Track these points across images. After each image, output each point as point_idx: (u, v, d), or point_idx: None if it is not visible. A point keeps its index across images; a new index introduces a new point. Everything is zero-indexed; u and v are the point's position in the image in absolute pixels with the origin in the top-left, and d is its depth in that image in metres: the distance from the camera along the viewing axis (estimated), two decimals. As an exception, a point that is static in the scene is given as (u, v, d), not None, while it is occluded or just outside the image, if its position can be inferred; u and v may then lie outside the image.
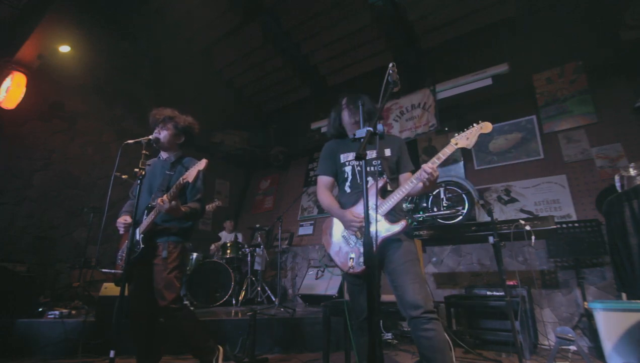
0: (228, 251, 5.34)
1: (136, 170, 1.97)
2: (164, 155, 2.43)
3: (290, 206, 5.91)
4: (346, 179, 1.89)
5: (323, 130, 6.69)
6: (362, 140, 1.36)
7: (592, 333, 3.15)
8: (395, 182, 1.89)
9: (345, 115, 1.97)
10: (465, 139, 1.72)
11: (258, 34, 5.96)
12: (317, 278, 4.97)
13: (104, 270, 4.07)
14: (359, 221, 1.69)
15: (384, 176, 1.80)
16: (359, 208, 1.76)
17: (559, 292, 3.72)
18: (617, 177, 2.46)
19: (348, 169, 1.89)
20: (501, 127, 4.84)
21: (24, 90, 4.46)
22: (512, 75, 4.73)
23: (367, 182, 1.77)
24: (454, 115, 5.12)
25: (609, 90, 4.23)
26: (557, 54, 4.62)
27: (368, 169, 1.81)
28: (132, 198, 2.43)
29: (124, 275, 1.85)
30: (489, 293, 3.31)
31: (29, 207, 4.62)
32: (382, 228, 1.69)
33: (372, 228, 1.66)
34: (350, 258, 1.72)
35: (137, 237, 2.10)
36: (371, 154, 1.83)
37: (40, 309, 3.41)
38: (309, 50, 6.28)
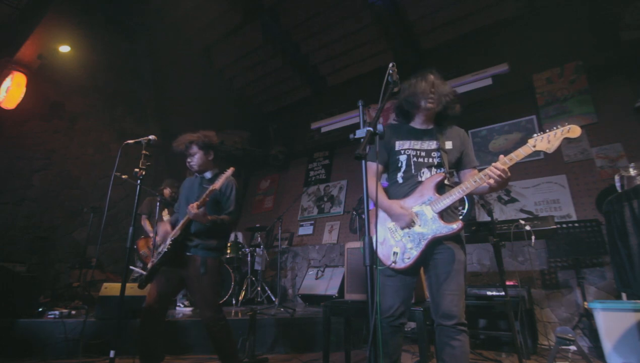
0: (228, 251, 5.34)
1: (136, 170, 1.98)
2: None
3: (290, 206, 5.92)
4: (399, 168, 1.73)
5: (323, 130, 6.71)
6: (362, 140, 1.35)
7: (592, 333, 3.14)
8: (452, 177, 1.77)
9: (423, 98, 1.73)
10: (545, 142, 1.52)
11: (258, 33, 5.96)
12: (317, 278, 4.96)
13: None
14: (409, 214, 1.60)
15: (442, 170, 1.68)
16: (409, 202, 1.65)
17: (559, 292, 3.72)
18: (617, 177, 2.46)
19: (403, 157, 1.72)
20: (501, 127, 4.84)
21: (24, 90, 4.46)
22: (512, 75, 4.74)
23: (422, 172, 1.65)
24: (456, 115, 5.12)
25: (608, 90, 4.22)
26: (557, 54, 4.62)
27: (426, 160, 1.70)
28: (175, 214, 2.54)
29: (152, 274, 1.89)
30: (489, 293, 3.31)
31: (29, 207, 4.62)
32: (435, 226, 1.57)
33: (422, 227, 1.59)
34: (394, 253, 1.63)
35: (168, 241, 2.21)
36: (430, 145, 1.72)
37: (40, 309, 3.41)
38: (309, 50, 6.28)
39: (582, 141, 4.22)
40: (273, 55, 6.39)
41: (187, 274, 2.20)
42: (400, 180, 1.73)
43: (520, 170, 4.51)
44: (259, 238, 5.82)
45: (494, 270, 4.08)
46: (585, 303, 3.26)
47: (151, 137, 2.22)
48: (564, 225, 3.55)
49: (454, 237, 1.61)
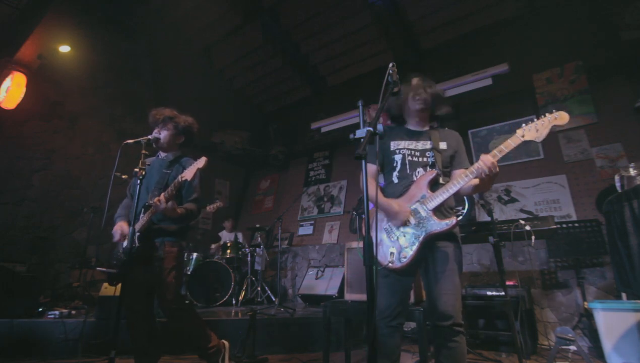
0: (228, 251, 5.34)
1: (136, 170, 1.97)
2: (162, 154, 2.43)
3: (290, 206, 5.91)
4: (394, 168, 1.75)
5: (323, 130, 6.71)
6: (362, 140, 1.35)
7: (592, 333, 3.14)
8: (447, 177, 1.76)
9: (411, 100, 1.76)
10: (534, 131, 1.52)
11: (258, 34, 5.97)
12: (317, 278, 4.97)
13: (99, 268, 4.08)
14: (405, 212, 1.59)
15: (436, 168, 1.67)
16: (404, 200, 1.65)
17: (559, 292, 3.72)
18: (617, 177, 2.45)
19: (398, 157, 1.74)
20: (501, 127, 4.83)
21: (24, 90, 4.46)
22: (512, 75, 4.74)
23: (417, 172, 1.66)
24: (454, 115, 5.12)
25: (608, 90, 4.22)
26: (557, 54, 4.62)
27: (421, 159, 1.71)
28: (129, 196, 2.43)
29: (121, 274, 1.84)
30: (489, 293, 3.31)
31: (29, 207, 4.62)
32: (428, 223, 1.57)
33: (417, 225, 1.58)
34: (391, 253, 1.62)
35: (136, 235, 2.10)
36: (425, 145, 1.73)
37: (40, 309, 3.41)
38: (309, 50, 6.29)
39: (582, 141, 4.22)
40: (273, 55, 6.39)
41: (149, 263, 2.12)
42: (395, 180, 1.74)
43: (521, 170, 4.51)
44: (259, 238, 5.82)
45: (494, 270, 4.08)
46: (585, 303, 3.26)
47: (151, 136, 2.21)
48: (564, 225, 3.55)
49: (450, 236, 1.62)
